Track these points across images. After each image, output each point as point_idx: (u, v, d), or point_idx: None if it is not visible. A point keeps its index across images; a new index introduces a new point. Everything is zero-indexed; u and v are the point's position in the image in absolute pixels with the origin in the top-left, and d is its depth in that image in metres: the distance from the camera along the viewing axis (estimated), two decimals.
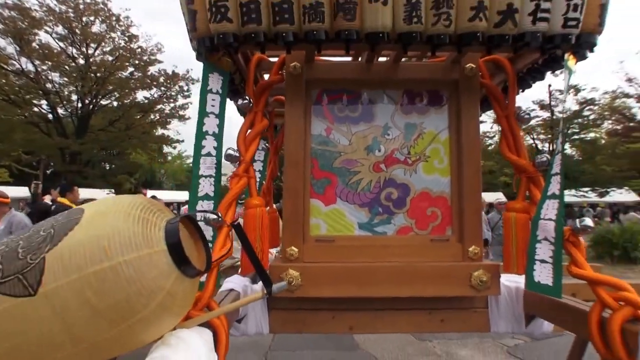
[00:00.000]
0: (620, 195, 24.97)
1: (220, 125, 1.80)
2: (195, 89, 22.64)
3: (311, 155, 1.94)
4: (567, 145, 22.73)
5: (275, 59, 2.08)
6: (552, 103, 21.32)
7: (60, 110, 21.33)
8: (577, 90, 21.27)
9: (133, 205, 1.24)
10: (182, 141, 23.34)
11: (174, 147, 26.22)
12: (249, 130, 1.87)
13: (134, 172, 23.95)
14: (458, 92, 1.94)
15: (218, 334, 1.35)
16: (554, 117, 21.61)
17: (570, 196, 23.82)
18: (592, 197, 23.90)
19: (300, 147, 1.89)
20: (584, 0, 1.50)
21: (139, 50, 21.35)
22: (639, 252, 9.97)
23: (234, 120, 2.40)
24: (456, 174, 1.95)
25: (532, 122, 21.82)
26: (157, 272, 1.15)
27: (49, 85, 20.05)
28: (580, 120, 22.00)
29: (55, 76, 20.21)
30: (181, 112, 22.65)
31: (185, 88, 22.11)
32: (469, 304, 1.97)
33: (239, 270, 1.93)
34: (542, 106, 22.11)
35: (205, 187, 1.74)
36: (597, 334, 1.40)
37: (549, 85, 20.91)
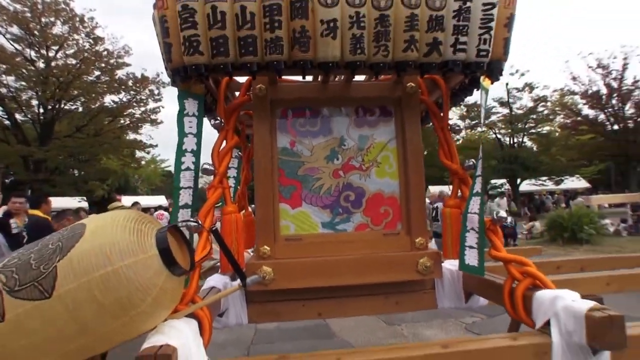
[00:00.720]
0: (573, 182, 27.20)
1: (198, 143, 2.06)
2: (166, 93, 22.22)
3: (278, 165, 2.23)
4: (525, 139, 24.33)
5: (243, 79, 2.35)
6: (510, 100, 22.58)
7: (18, 116, 20.28)
8: (531, 88, 22.80)
9: (128, 218, 1.51)
10: (156, 146, 22.79)
11: (148, 152, 25.65)
12: (222, 146, 2.14)
13: (105, 178, 23.37)
14: (402, 107, 2.28)
15: (202, 323, 1.62)
16: (512, 113, 22.88)
17: (530, 185, 25.57)
18: (550, 185, 25.64)
19: (268, 158, 2.18)
20: (492, 35, 1.86)
21: (105, 52, 20.75)
22: (584, 233, 10.82)
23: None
24: (403, 177, 2.29)
25: (494, 117, 23.18)
26: (152, 273, 1.42)
27: (3, 90, 18.92)
28: (535, 115, 23.44)
29: (10, 80, 19.11)
30: (153, 116, 22.10)
31: (156, 92, 21.59)
32: (418, 286, 2.32)
33: (219, 270, 2.20)
34: (502, 103, 23.38)
35: (185, 197, 2.00)
36: (508, 300, 1.81)
37: (507, 84, 22.10)
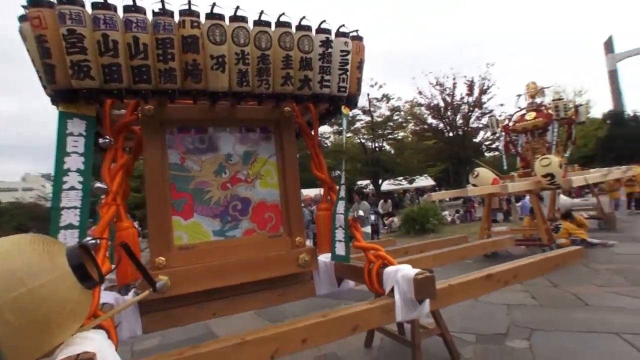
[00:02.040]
0: (422, 181, 32.47)
1: (86, 162, 2.11)
2: None
3: (169, 180, 2.46)
4: (385, 143, 27.95)
5: None
6: (371, 109, 25.65)
7: None
8: (388, 99, 26.39)
9: (34, 241, 1.62)
10: None
11: None
12: (112, 164, 2.28)
13: None
14: (280, 128, 2.74)
15: (110, 333, 1.81)
16: (373, 120, 25.98)
17: (389, 185, 29.44)
18: (405, 184, 29.92)
19: (159, 174, 2.41)
20: (348, 75, 2.45)
21: None
22: (430, 225, 13.14)
23: None
24: (283, 187, 2.75)
25: (358, 124, 26.03)
26: (67, 288, 1.58)
27: None
28: (392, 123, 27.13)
29: None
30: None
31: None
32: (299, 278, 2.81)
33: (117, 283, 2.32)
34: (365, 111, 26.33)
35: (69, 217, 2.04)
36: (367, 278, 2.42)
37: (368, 95, 25.03)
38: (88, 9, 1.95)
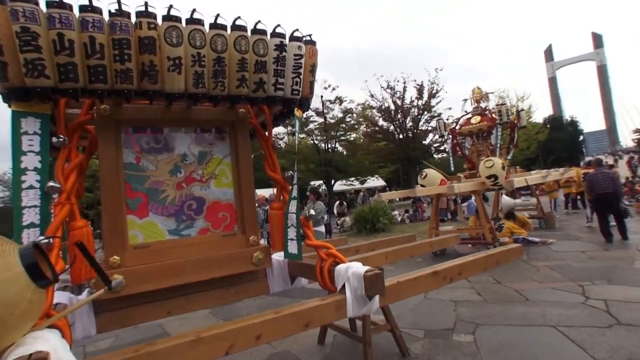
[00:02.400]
0: (373, 181, 34.14)
1: (43, 161, 2.16)
2: None
3: (124, 180, 2.52)
4: (337, 144, 28.71)
5: None
6: (325, 111, 26.32)
7: None
8: (341, 101, 27.19)
9: None
10: None
11: None
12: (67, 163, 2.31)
13: None
14: (235, 129, 2.86)
15: (64, 332, 1.85)
16: (326, 122, 26.64)
17: (341, 185, 30.24)
18: (357, 184, 30.88)
19: (114, 174, 2.46)
20: (301, 79, 2.62)
21: None
22: (380, 224, 13.81)
23: None
24: (237, 187, 2.87)
25: (311, 126, 26.61)
26: (19, 288, 1.62)
27: None
28: (344, 124, 27.90)
29: None
30: None
31: None
32: (253, 276, 2.94)
33: (71, 282, 2.34)
34: (318, 113, 26.85)
35: (30, 216, 2.10)
36: (319, 275, 2.59)
37: (321, 96, 25.58)
38: (43, 7, 1.97)
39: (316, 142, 28.38)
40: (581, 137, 58.53)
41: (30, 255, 1.68)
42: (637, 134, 61.60)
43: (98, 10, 2.07)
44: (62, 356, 1.64)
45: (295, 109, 2.69)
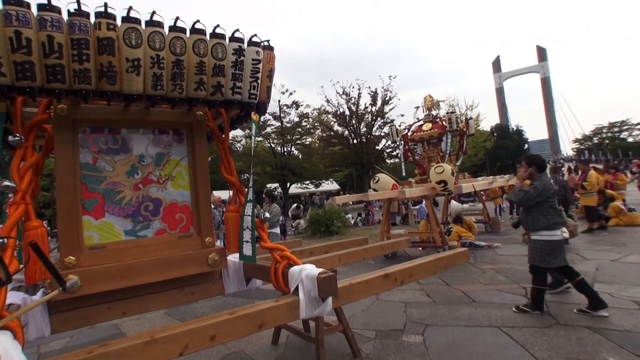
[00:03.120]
0: (328, 185, 35.23)
1: None
2: None
3: (80, 180, 2.57)
4: (293, 148, 29.11)
5: None
6: (282, 115, 26.73)
7: None
8: (297, 105, 27.73)
9: None
10: None
11: None
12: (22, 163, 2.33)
13: None
14: (192, 131, 2.98)
15: (16, 333, 1.87)
16: (283, 126, 26.98)
17: (296, 188, 30.71)
18: (311, 188, 31.43)
19: (70, 174, 2.50)
20: (259, 83, 2.79)
21: None
22: (334, 227, 14.35)
23: None
24: (194, 189, 2.98)
25: (268, 129, 26.92)
26: None
27: None
28: (300, 129, 28.37)
29: None
30: None
31: None
32: (209, 277, 3.05)
33: (25, 282, 2.35)
34: (275, 117, 27.11)
35: None
36: (273, 277, 2.76)
37: (279, 101, 25.91)
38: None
39: (273, 145, 28.58)
40: (526, 146, 62.56)
41: None
42: (577, 143, 66.74)
43: (57, 10, 2.12)
44: (14, 357, 1.68)
45: (252, 113, 2.84)
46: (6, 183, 2.19)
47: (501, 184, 12.15)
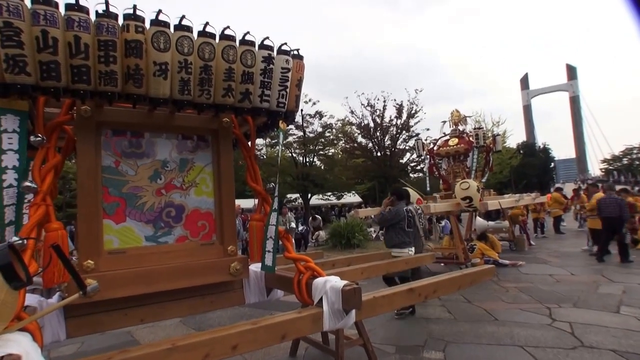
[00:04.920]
0: (350, 197, 34.63)
1: (21, 160, 2.14)
2: None
3: (102, 183, 2.48)
4: (315, 159, 29.04)
5: None
6: (304, 125, 26.73)
7: None
8: (321, 115, 27.67)
9: None
10: None
11: None
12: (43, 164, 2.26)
13: None
14: (218, 137, 2.87)
15: (35, 335, 1.81)
16: (306, 135, 27.01)
17: (317, 200, 30.47)
18: (333, 199, 31.14)
19: (91, 177, 2.42)
20: (287, 92, 2.66)
21: None
22: (356, 239, 13.95)
23: None
24: (218, 196, 2.86)
25: (290, 139, 26.91)
26: None
27: None
28: (323, 139, 28.29)
29: None
30: None
31: None
32: (229, 286, 2.92)
33: (43, 285, 2.27)
34: (297, 126, 27.18)
35: (10, 214, 2.08)
36: (296, 288, 2.59)
37: (301, 110, 25.96)
38: (28, 3, 1.96)
39: (294, 155, 28.56)
40: (552, 164, 60.81)
41: (6, 256, 1.64)
42: (605, 163, 64.41)
43: (85, 10, 2.06)
44: (34, 359, 1.62)
45: (280, 122, 2.72)
46: (27, 184, 2.13)
47: (528, 201, 11.69)
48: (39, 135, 2.27)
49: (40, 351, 1.75)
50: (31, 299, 2.24)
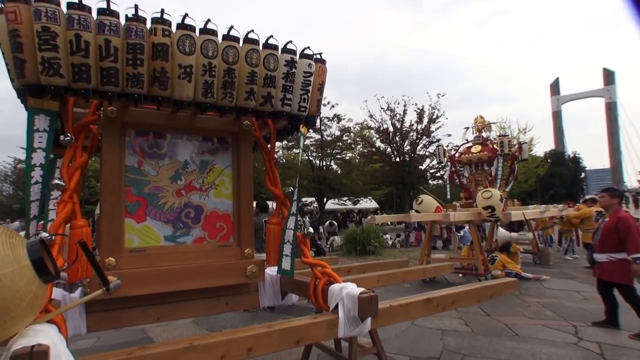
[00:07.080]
0: (366, 203, 34.56)
1: (47, 158, 2.30)
2: None
3: (125, 183, 2.63)
4: (332, 162, 29.10)
5: None
6: (322, 127, 26.83)
7: None
8: (339, 119, 27.71)
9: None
10: None
11: None
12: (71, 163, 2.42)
13: None
14: (238, 140, 3.00)
15: (60, 328, 1.95)
16: (323, 139, 27.09)
17: (333, 204, 30.47)
18: (349, 204, 31.09)
19: (115, 176, 2.56)
20: (309, 96, 2.77)
21: None
22: (371, 246, 13.93)
23: None
24: (237, 198, 2.99)
25: (307, 142, 27.06)
26: (26, 281, 1.72)
27: None
28: (341, 143, 28.30)
29: None
30: None
31: None
32: (245, 289, 3.03)
33: (67, 279, 2.41)
34: (315, 129, 27.35)
35: (34, 209, 2.25)
36: (312, 294, 2.69)
37: (319, 113, 26.20)
38: (63, 8, 2.11)
39: (311, 158, 28.67)
40: (583, 174, 59.35)
41: (38, 250, 1.79)
42: None
43: (115, 14, 2.20)
44: (60, 350, 1.74)
45: (301, 126, 2.83)
46: (56, 181, 2.27)
47: (554, 213, 11.55)
48: (69, 134, 2.43)
49: (65, 342, 1.87)
50: (56, 293, 2.39)
